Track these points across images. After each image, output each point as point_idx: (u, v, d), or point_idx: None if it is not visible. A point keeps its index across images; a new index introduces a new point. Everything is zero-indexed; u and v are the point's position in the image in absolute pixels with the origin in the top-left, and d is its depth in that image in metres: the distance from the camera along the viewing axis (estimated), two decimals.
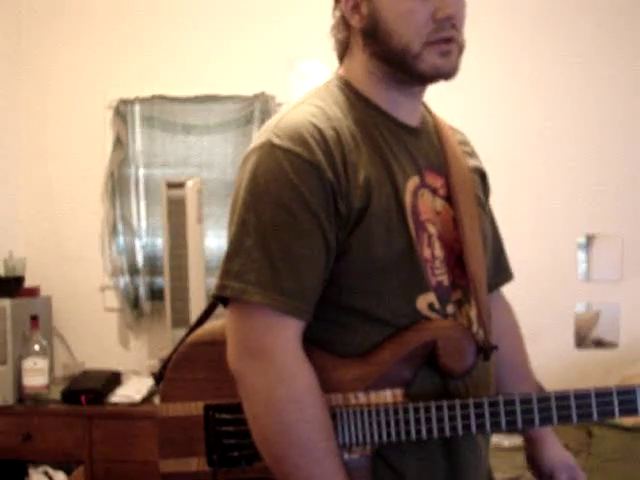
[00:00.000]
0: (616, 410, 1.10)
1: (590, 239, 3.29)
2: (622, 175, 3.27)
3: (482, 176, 1.33)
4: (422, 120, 1.25)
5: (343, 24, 1.19)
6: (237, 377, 1.09)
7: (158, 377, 1.25)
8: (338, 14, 1.20)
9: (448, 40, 1.12)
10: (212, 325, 1.22)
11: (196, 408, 1.18)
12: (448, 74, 1.15)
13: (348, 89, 1.19)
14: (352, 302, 1.11)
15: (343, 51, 1.22)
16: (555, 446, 1.33)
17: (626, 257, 3.26)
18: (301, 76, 3.33)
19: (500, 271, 1.38)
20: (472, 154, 1.33)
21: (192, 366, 1.19)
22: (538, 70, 3.27)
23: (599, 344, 3.28)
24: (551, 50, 3.28)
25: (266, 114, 3.25)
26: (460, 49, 1.15)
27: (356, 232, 1.09)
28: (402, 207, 1.12)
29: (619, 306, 3.25)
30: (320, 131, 1.09)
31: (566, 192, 3.28)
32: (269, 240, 1.06)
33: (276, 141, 1.09)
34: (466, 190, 1.22)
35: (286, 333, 1.06)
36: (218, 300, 1.12)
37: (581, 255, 3.29)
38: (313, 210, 1.07)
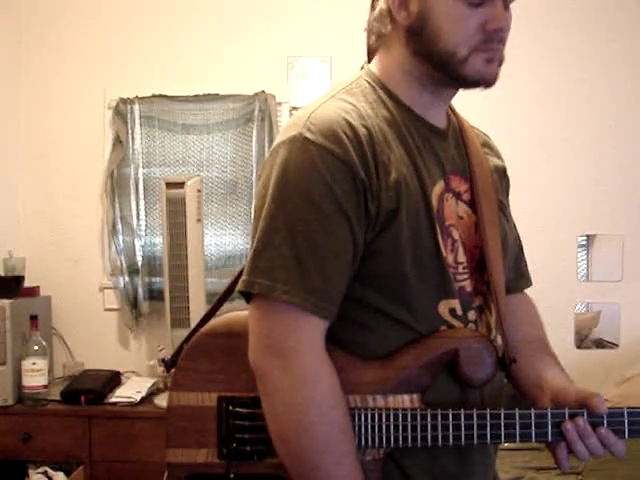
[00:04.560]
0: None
1: (590, 239, 3.29)
2: (622, 175, 3.27)
3: (503, 173, 1.31)
4: (448, 122, 1.23)
5: (388, 18, 1.16)
6: (258, 375, 1.07)
7: (169, 365, 1.23)
8: (383, 7, 1.16)
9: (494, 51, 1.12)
10: (229, 316, 1.20)
11: (209, 399, 1.17)
12: (489, 81, 1.14)
13: (379, 86, 1.17)
14: (376, 303, 1.10)
15: (378, 45, 1.19)
16: (573, 385, 1.22)
17: (626, 257, 3.26)
18: (301, 75, 3.33)
19: (518, 276, 1.35)
20: (494, 154, 1.32)
21: (207, 356, 1.18)
22: (537, 70, 3.27)
23: (599, 344, 3.28)
24: (549, 51, 3.28)
25: (266, 113, 3.25)
26: (501, 63, 1.14)
27: (385, 234, 1.08)
28: (430, 211, 1.11)
29: (619, 306, 3.25)
30: (353, 129, 1.07)
31: (566, 192, 3.28)
32: (299, 238, 1.05)
33: (309, 135, 1.07)
34: (489, 195, 1.21)
35: (311, 333, 1.05)
36: (242, 295, 1.10)
37: (581, 255, 3.29)
38: (344, 209, 1.05)
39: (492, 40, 1.10)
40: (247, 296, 1.09)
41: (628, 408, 1.11)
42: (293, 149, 1.07)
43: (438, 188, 1.14)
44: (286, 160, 1.07)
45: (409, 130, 1.14)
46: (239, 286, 1.09)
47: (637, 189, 3.28)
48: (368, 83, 1.18)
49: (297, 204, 1.05)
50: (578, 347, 3.27)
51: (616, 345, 3.26)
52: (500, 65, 1.14)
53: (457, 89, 1.19)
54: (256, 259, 1.07)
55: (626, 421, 1.10)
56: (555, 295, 3.11)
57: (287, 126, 1.13)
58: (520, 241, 1.37)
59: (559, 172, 3.28)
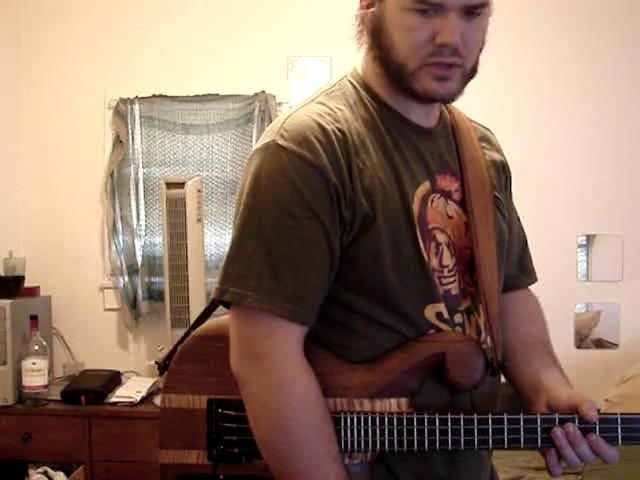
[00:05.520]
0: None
1: (590, 239, 3.28)
2: (622, 175, 3.27)
3: (502, 168, 1.28)
4: (439, 120, 1.21)
5: (360, 19, 1.15)
6: (238, 380, 1.09)
7: (162, 367, 1.24)
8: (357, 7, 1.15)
9: (448, 65, 1.07)
10: (220, 319, 1.20)
11: (199, 401, 1.18)
12: (443, 99, 1.12)
13: (362, 87, 1.16)
14: (363, 307, 1.10)
15: (360, 45, 1.18)
16: (568, 387, 1.20)
17: (626, 257, 3.26)
18: (301, 76, 3.33)
19: (521, 272, 1.33)
20: (493, 148, 1.29)
21: (198, 359, 1.19)
22: (537, 70, 3.27)
23: (599, 344, 3.28)
24: (550, 51, 3.28)
25: (266, 113, 3.25)
26: (465, 74, 1.10)
27: (363, 240, 1.07)
28: (410, 216, 1.09)
29: (619, 306, 3.25)
30: (326, 133, 1.07)
31: (566, 192, 3.28)
32: (271, 244, 1.05)
33: (281, 142, 1.07)
34: (482, 194, 1.19)
35: (286, 338, 1.06)
36: (220, 303, 1.11)
37: (581, 255, 3.29)
38: (317, 214, 1.05)
39: (442, 53, 1.06)
40: (225, 303, 1.10)
41: (622, 414, 1.08)
42: (266, 156, 1.08)
43: (422, 190, 1.13)
44: (259, 168, 1.08)
45: (390, 131, 1.13)
46: (212, 294, 1.10)
47: (637, 189, 3.27)
48: (351, 84, 1.17)
49: (269, 211, 1.06)
50: (578, 347, 3.27)
51: (616, 345, 3.26)
52: (466, 78, 1.11)
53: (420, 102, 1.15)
54: (228, 267, 1.08)
55: (619, 428, 1.07)
56: (555, 295, 3.10)
57: (265, 133, 1.13)
58: (525, 237, 1.35)
59: (559, 172, 3.28)
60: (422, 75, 1.08)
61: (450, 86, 1.09)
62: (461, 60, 1.08)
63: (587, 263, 3.29)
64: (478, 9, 1.07)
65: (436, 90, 1.09)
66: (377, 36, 1.11)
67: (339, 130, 1.08)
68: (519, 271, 1.32)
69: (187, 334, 1.23)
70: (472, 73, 1.12)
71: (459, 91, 1.12)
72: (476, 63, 1.12)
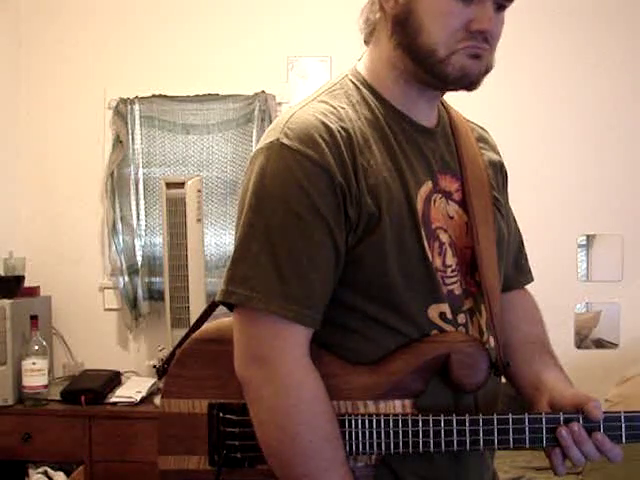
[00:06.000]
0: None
1: (590, 239, 3.28)
2: (622, 175, 3.27)
3: (500, 168, 1.28)
4: (439, 120, 1.21)
5: (378, 5, 1.13)
6: (243, 383, 1.07)
7: (161, 372, 1.23)
8: None
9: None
10: (219, 322, 1.19)
11: (200, 406, 1.16)
12: (472, 79, 1.10)
13: (363, 85, 1.15)
14: (366, 309, 1.09)
15: (370, 35, 1.17)
16: (570, 386, 1.20)
17: (626, 257, 3.26)
18: (301, 76, 3.33)
19: (518, 272, 1.33)
20: (490, 148, 1.29)
21: (197, 363, 1.17)
22: (538, 70, 3.27)
23: (599, 344, 3.28)
24: (551, 51, 3.28)
25: (266, 113, 3.25)
26: (487, 66, 1.10)
27: (369, 240, 1.06)
28: (414, 216, 1.09)
29: (619, 306, 3.25)
30: (331, 132, 1.06)
31: (566, 192, 3.28)
32: (276, 245, 1.03)
33: (285, 141, 1.05)
34: (482, 194, 1.18)
35: (293, 341, 1.04)
36: (224, 305, 1.09)
37: (581, 255, 3.29)
38: (322, 214, 1.04)
39: (475, 38, 1.07)
40: (229, 305, 1.09)
41: (625, 412, 1.08)
42: (270, 155, 1.06)
43: (425, 189, 1.12)
44: (263, 167, 1.06)
45: (393, 131, 1.12)
46: (217, 296, 1.08)
47: (637, 189, 3.28)
48: (352, 83, 1.16)
49: (274, 211, 1.04)
50: (578, 347, 3.27)
51: (616, 345, 3.26)
52: (487, 71, 1.11)
53: (441, 89, 1.16)
54: (233, 268, 1.06)
55: (623, 426, 1.07)
56: (555, 295, 3.11)
57: (267, 131, 1.12)
58: (521, 236, 1.35)
59: (559, 172, 3.28)
60: (456, 59, 1.07)
61: (481, 65, 1.09)
62: (488, 48, 1.09)
63: (587, 263, 3.29)
64: (508, 2, 1.09)
65: (471, 67, 1.08)
66: (403, 21, 1.09)
67: (343, 129, 1.07)
68: (515, 271, 1.32)
69: (186, 337, 1.22)
70: (490, 68, 1.12)
71: (484, 76, 1.11)
72: (493, 57, 1.12)
